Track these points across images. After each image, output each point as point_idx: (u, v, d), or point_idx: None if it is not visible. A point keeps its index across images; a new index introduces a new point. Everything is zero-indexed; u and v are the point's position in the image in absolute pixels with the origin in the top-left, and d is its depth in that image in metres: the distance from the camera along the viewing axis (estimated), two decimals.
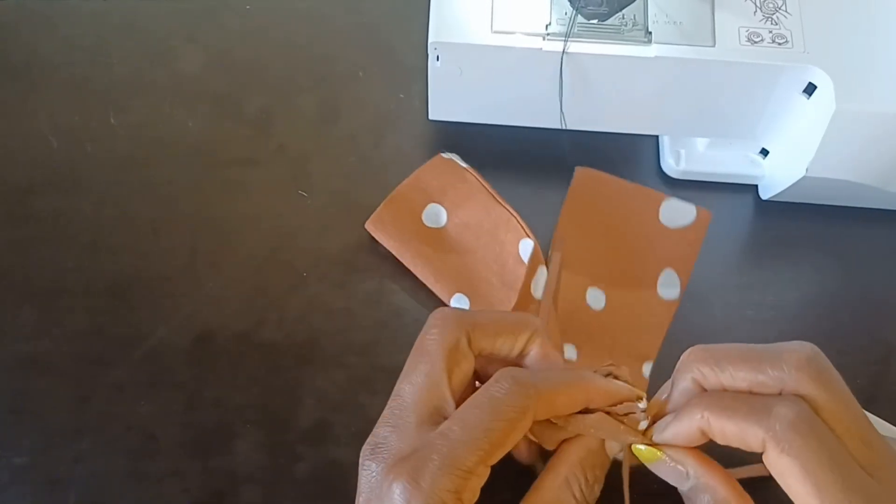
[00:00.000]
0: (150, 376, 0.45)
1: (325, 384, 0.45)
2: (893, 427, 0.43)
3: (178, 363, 0.46)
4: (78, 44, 0.55)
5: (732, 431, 0.31)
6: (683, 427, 0.33)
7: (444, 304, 0.47)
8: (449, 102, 0.49)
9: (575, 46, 0.44)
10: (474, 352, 0.35)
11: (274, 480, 0.43)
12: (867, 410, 0.43)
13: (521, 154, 0.52)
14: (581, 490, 0.33)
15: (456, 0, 0.45)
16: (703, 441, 0.33)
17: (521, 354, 0.36)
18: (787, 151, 0.49)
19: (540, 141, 0.51)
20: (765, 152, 0.51)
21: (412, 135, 0.53)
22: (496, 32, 0.45)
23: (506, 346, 0.36)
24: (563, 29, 0.45)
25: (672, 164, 0.51)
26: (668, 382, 0.35)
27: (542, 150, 0.52)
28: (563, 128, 0.48)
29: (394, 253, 0.48)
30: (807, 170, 0.46)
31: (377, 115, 0.54)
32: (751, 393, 0.32)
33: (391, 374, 0.45)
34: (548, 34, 0.45)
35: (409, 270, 0.48)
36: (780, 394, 0.31)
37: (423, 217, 0.49)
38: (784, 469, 0.30)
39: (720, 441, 0.32)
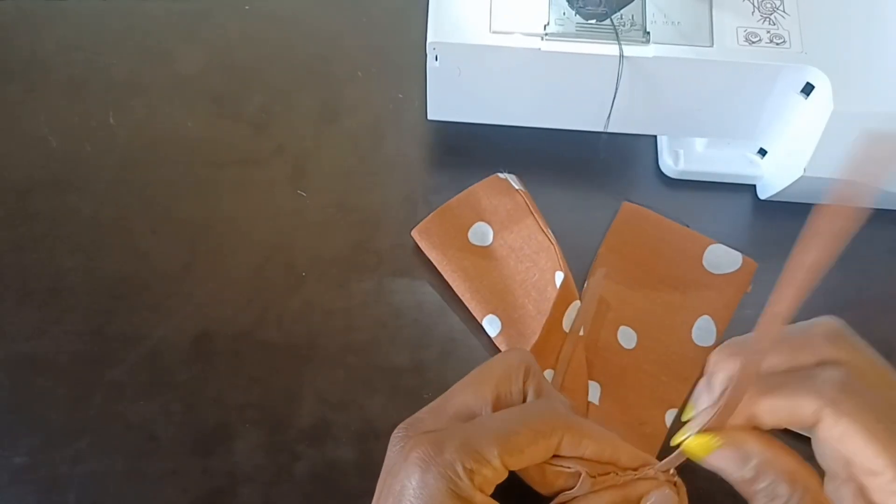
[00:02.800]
0: (150, 376, 0.45)
1: (324, 384, 0.45)
2: None
3: (178, 363, 0.46)
4: (77, 44, 0.56)
5: (784, 407, 0.31)
6: (733, 416, 0.32)
7: (477, 322, 0.47)
8: (447, 102, 0.49)
9: (573, 46, 0.45)
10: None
11: (273, 480, 0.43)
12: None
13: (520, 154, 0.52)
14: None
15: (454, 0, 0.45)
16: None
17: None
18: (785, 151, 0.49)
19: (538, 141, 0.51)
20: (763, 152, 0.51)
21: (411, 134, 0.53)
22: (494, 33, 0.45)
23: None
24: (563, 29, 0.45)
25: (670, 164, 0.52)
26: (703, 381, 0.35)
27: (539, 149, 0.52)
28: (605, 130, 0.48)
29: (435, 264, 0.48)
30: (805, 170, 0.46)
31: (376, 114, 0.54)
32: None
33: (390, 374, 0.46)
34: (546, 34, 0.45)
35: (407, 271, 0.48)
36: (817, 365, 0.32)
37: (470, 234, 0.49)
38: (844, 432, 0.30)
39: (769, 423, 0.32)
